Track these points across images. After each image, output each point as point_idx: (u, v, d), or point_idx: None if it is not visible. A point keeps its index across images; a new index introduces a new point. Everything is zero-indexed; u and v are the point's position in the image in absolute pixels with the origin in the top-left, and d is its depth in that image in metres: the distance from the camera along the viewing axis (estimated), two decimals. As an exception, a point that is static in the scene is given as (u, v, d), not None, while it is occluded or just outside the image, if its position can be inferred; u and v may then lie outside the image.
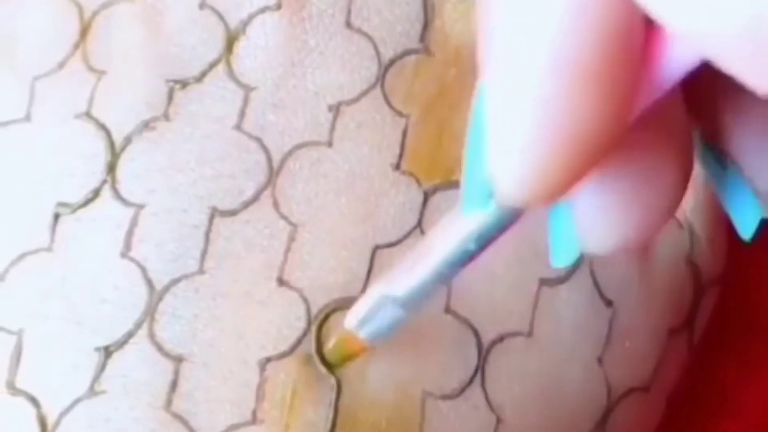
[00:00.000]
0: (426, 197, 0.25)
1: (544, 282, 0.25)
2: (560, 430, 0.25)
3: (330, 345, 0.23)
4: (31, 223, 0.24)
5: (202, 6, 0.25)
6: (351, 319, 0.22)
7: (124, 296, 0.23)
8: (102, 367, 0.23)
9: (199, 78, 0.25)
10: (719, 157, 0.19)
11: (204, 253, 0.24)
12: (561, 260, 0.19)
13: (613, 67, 0.15)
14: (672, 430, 0.28)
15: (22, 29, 0.26)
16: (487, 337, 0.24)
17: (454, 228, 0.19)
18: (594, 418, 0.25)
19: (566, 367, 0.25)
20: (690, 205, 0.27)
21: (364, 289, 0.24)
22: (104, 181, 0.24)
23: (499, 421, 0.24)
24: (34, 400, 0.23)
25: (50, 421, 0.23)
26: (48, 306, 0.23)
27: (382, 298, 0.21)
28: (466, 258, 0.19)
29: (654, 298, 0.26)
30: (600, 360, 0.25)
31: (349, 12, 0.25)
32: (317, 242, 0.24)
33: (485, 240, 0.19)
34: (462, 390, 0.24)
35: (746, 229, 0.20)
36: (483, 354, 0.24)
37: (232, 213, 0.24)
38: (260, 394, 0.23)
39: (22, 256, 0.24)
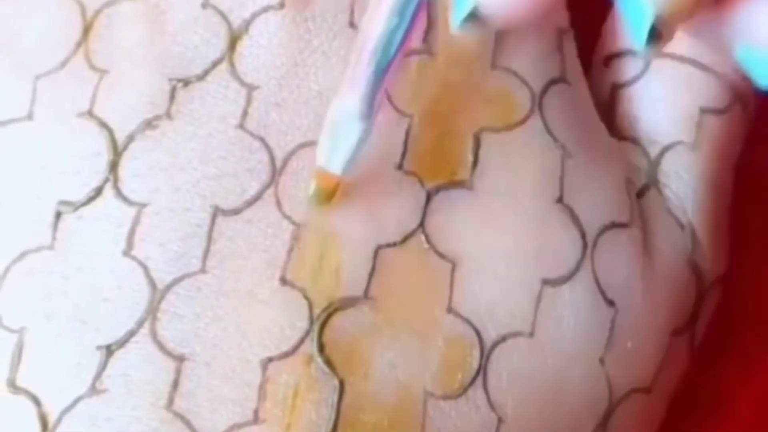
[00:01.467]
0: (429, 197, 0.25)
1: (546, 282, 0.25)
2: (562, 430, 0.25)
3: (309, 192, 0.24)
4: (33, 221, 0.24)
5: (204, 5, 0.25)
6: (320, 157, 0.23)
7: (126, 295, 0.23)
8: (103, 366, 0.23)
9: (202, 77, 0.25)
10: None
11: (206, 252, 0.24)
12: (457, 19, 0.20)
13: None
14: (672, 430, 0.28)
15: (24, 28, 0.26)
16: (488, 337, 0.24)
17: (377, 11, 0.20)
18: (595, 419, 0.25)
19: (568, 367, 0.25)
20: (691, 206, 0.27)
21: (366, 291, 0.24)
22: (106, 180, 0.24)
23: (500, 421, 0.24)
24: (35, 399, 0.23)
25: (51, 419, 0.23)
26: (49, 304, 0.23)
27: (337, 121, 0.22)
28: (394, 38, 0.21)
29: (656, 299, 0.26)
30: (602, 360, 0.25)
31: (352, 12, 0.25)
32: (320, 242, 0.24)
33: (406, 12, 0.20)
34: (464, 390, 0.24)
35: (638, 35, 0.21)
36: (485, 354, 0.24)
37: (235, 212, 0.24)
38: (262, 394, 0.23)
39: (24, 254, 0.24)
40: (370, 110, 0.21)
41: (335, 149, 0.23)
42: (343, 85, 0.21)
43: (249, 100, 0.25)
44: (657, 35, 0.21)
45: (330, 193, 0.24)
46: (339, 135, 0.22)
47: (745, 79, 0.28)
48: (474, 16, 0.22)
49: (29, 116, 0.25)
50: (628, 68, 0.28)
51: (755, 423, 0.30)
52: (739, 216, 0.29)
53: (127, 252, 0.24)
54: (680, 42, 0.28)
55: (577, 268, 0.25)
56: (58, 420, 0.23)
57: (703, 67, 0.27)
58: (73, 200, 0.24)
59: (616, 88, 0.28)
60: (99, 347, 0.23)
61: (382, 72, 0.20)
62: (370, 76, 0.20)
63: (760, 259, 0.31)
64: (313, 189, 0.24)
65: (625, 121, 0.28)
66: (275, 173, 0.24)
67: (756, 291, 0.31)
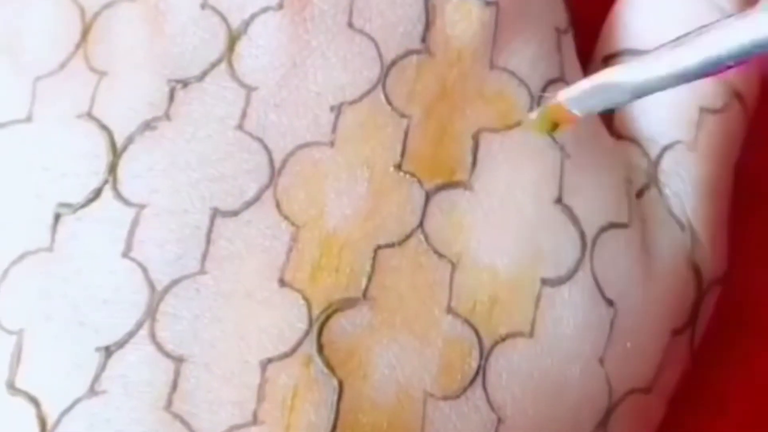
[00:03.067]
0: (428, 197, 0.25)
1: (545, 282, 0.25)
2: (561, 430, 0.25)
3: (534, 115, 0.24)
4: (32, 223, 0.24)
5: (203, 6, 0.25)
6: (571, 93, 0.23)
7: (125, 296, 0.23)
8: (102, 367, 0.23)
9: (201, 78, 0.25)
10: None
11: (205, 253, 0.23)
12: None
13: None
14: (672, 430, 0.28)
15: (24, 30, 0.26)
16: (488, 337, 0.24)
17: (736, 27, 0.19)
18: (595, 419, 0.25)
19: (567, 367, 0.25)
20: (690, 205, 0.27)
21: (365, 292, 0.24)
22: (105, 182, 0.24)
23: (500, 421, 0.24)
24: (34, 400, 0.23)
25: (50, 421, 0.23)
26: (49, 306, 0.23)
27: (608, 84, 0.22)
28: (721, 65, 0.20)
29: (656, 299, 0.26)
30: (601, 360, 0.25)
31: (351, 13, 0.25)
32: (318, 243, 0.24)
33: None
34: (463, 390, 0.24)
35: None
36: (484, 354, 0.24)
37: (234, 213, 0.24)
38: (261, 395, 0.23)
39: (23, 256, 0.24)
40: (646, 93, 0.21)
41: (587, 100, 0.23)
42: (640, 61, 0.22)
43: (248, 101, 0.25)
44: None
45: (556, 126, 0.24)
46: (599, 94, 0.23)
47: (745, 77, 0.28)
48: None
49: (28, 118, 0.25)
50: None
51: (755, 423, 0.30)
52: (740, 218, 0.29)
53: (126, 253, 0.24)
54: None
55: (576, 269, 0.25)
56: (57, 421, 0.22)
57: None
58: (73, 202, 0.24)
59: None
60: (98, 349, 0.23)
61: (688, 79, 0.21)
62: (676, 73, 0.21)
63: (760, 259, 0.31)
64: (542, 114, 0.24)
65: (625, 120, 0.28)
66: (274, 174, 0.24)
67: (756, 292, 0.31)
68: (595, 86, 0.23)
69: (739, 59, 0.19)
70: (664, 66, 0.21)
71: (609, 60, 0.29)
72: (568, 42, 0.28)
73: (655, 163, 0.27)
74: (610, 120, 0.28)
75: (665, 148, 0.27)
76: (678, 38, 0.21)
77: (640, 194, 0.27)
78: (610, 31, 0.29)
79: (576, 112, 0.23)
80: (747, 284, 0.30)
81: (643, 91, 0.21)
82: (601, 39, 0.29)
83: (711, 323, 0.28)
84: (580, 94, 0.23)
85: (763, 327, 0.30)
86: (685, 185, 0.27)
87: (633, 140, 0.28)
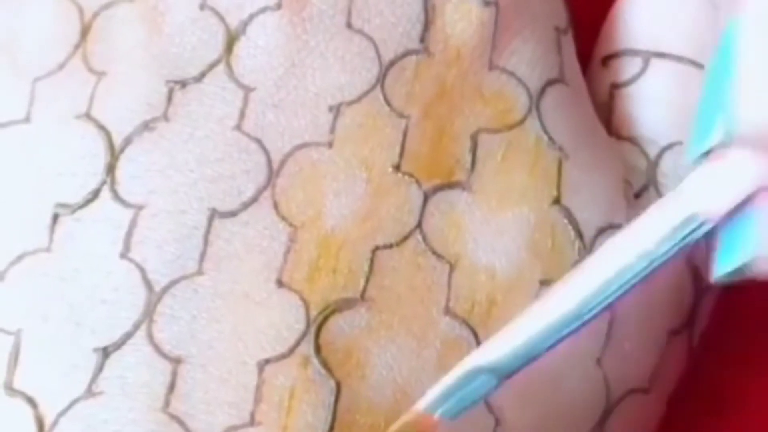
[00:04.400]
0: (426, 198, 0.25)
1: (544, 283, 0.25)
2: (559, 431, 0.25)
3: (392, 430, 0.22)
4: (30, 223, 0.24)
5: (202, 6, 0.25)
6: (425, 399, 0.22)
7: (122, 297, 0.23)
8: (100, 368, 0.23)
9: (199, 78, 0.25)
10: None
11: (203, 254, 0.23)
12: (722, 270, 0.20)
13: None
14: (671, 430, 0.28)
15: (23, 30, 0.26)
16: (486, 338, 0.24)
17: (610, 255, 0.20)
18: (593, 419, 0.25)
19: (565, 368, 0.25)
20: None
21: (363, 292, 0.24)
22: (103, 182, 0.24)
23: (497, 422, 0.24)
24: (31, 401, 0.23)
25: (47, 422, 0.22)
26: (47, 307, 0.23)
27: (471, 371, 0.21)
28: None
29: (654, 300, 0.26)
30: (599, 361, 0.25)
31: (349, 13, 0.25)
32: (316, 243, 0.24)
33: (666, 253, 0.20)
34: None
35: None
36: None
37: (232, 214, 0.24)
38: (258, 396, 0.22)
39: (21, 256, 0.24)
40: (513, 372, 0.21)
41: (450, 396, 0.22)
42: (495, 340, 0.21)
43: (246, 102, 0.25)
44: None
45: None
46: (463, 387, 0.22)
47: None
48: (741, 271, 0.22)
49: (27, 119, 0.25)
50: (627, 68, 0.28)
51: (755, 422, 0.30)
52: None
53: (124, 254, 0.24)
54: (679, 41, 0.28)
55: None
56: (54, 422, 0.22)
57: (702, 67, 0.27)
58: (71, 202, 0.24)
59: (615, 88, 0.28)
60: (95, 349, 0.23)
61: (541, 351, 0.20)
62: (528, 345, 0.20)
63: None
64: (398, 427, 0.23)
65: (624, 121, 0.28)
66: (272, 175, 0.24)
67: (755, 290, 0.30)
68: (457, 377, 0.22)
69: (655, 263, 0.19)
70: (522, 336, 0.21)
71: (608, 60, 0.29)
72: (568, 42, 0.28)
73: (654, 164, 0.27)
74: (609, 121, 0.28)
75: (664, 149, 0.27)
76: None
77: (638, 195, 0.27)
78: (610, 32, 0.29)
79: (441, 416, 0.22)
80: (746, 283, 0.30)
81: (509, 369, 0.21)
82: (600, 39, 0.29)
83: (711, 323, 0.28)
84: (442, 392, 0.22)
85: (764, 327, 0.30)
86: None
87: (632, 141, 0.27)
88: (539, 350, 0.21)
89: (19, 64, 0.26)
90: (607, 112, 0.28)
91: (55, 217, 0.24)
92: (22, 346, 0.23)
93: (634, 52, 0.28)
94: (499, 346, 0.21)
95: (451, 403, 0.22)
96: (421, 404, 0.22)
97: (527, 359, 0.21)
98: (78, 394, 0.23)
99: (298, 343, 0.23)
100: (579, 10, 0.28)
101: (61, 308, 0.23)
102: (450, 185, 0.25)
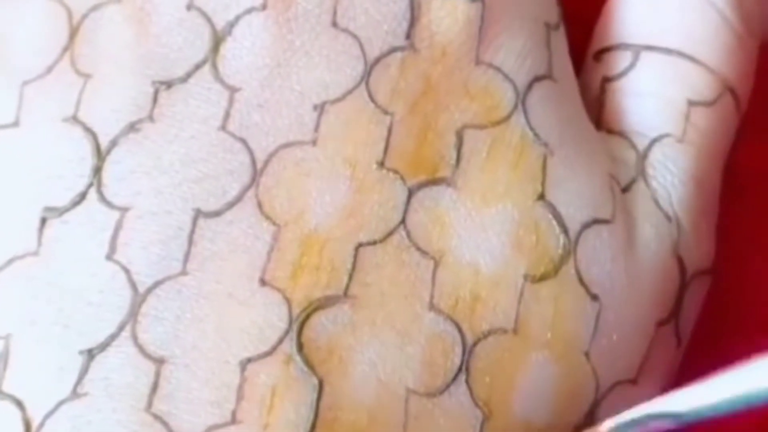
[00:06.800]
0: (410, 194, 0.24)
1: (528, 278, 0.24)
2: (548, 424, 0.24)
3: None
4: (19, 228, 0.24)
5: (189, 7, 0.25)
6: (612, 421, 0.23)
7: (108, 299, 0.23)
8: (85, 370, 0.23)
9: (185, 79, 0.25)
10: None
11: (187, 254, 0.23)
12: None
13: None
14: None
15: (12, 34, 0.26)
16: (471, 334, 0.24)
17: None
18: (581, 412, 0.25)
19: (553, 362, 0.24)
20: (677, 197, 0.27)
21: (346, 289, 0.23)
22: (90, 185, 0.24)
23: (485, 417, 0.24)
24: (19, 404, 0.23)
25: (34, 423, 0.23)
26: (35, 311, 0.23)
27: (659, 414, 0.21)
28: None
29: (641, 291, 0.26)
30: (587, 354, 0.25)
31: (335, 12, 0.25)
32: (300, 241, 0.24)
33: None
34: (446, 387, 0.23)
35: None
36: (467, 350, 0.24)
37: (216, 214, 0.24)
38: (240, 395, 0.22)
39: (10, 261, 0.24)
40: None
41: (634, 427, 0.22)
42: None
43: (231, 102, 0.25)
44: None
45: None
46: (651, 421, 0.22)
47: (738, 71, 0.28)
48: None
49: (16, 123, 0.25)
50: (618, 62, 0.28)
51: (755, 422, 0.30)
52: (735, 216, 0.29)
53: (110, 256, 0.24)
54: (669, 34, 0.28)
55: (560, 264, 0.25)
56: (41, 424, 0.23)
57: (692, 59, 0.27)
58: (58, 206, 0.24)
59: (606, 82, 0.28)
60: (81, 351, 0.23)
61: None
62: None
63: (758, 256, 0.30)
64: None
65: (614, 114, 0.28)
66: (256, 174, 0.24)
67: (752, 291, 0.30)
68: (646, 414, 0.22)
69: None
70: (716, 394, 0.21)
71: (600, 54, 0.28)
72: (559, 38, 0.27)
73: (643, 156, 0.27)
74: (600, 115, 0.28)
75: (654, 141, 0.27)
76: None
77: (627, 188, 0.27)
78: (604, 26, 0.29)
79: None
80: (744, 281, 0.30)
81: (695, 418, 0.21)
82: (595, 34, 0.29)
83: (707, 323, 0.28)
84: (627, 422, 0.23)
85: (761, 325, 0.30)
86: (673, 177, 0.27)
87: (622, 134, 0.27)
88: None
89: (8, 67, 0.26)
90: (598, 106, 0.28)
91: (44, 221, 0.24)
92: (12, 349, 0.23)
93: (626, 46, 0.28)
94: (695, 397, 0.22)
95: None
96: (605, 427, 0.23)
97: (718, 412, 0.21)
98: (64, 395, 0.23)
99: (280, 341, 0.23)
100: (574, 7, 0.28)
101: (49, 312, 0.23)
102: (435, 181, 0.25)
